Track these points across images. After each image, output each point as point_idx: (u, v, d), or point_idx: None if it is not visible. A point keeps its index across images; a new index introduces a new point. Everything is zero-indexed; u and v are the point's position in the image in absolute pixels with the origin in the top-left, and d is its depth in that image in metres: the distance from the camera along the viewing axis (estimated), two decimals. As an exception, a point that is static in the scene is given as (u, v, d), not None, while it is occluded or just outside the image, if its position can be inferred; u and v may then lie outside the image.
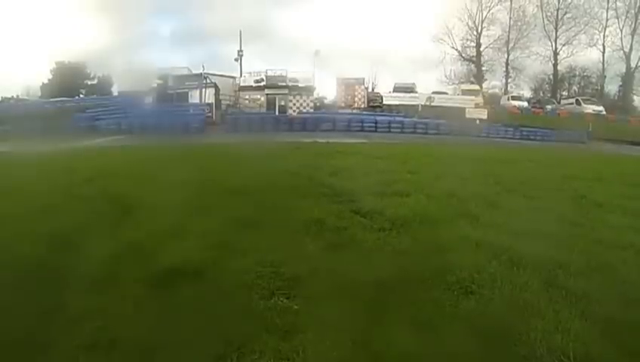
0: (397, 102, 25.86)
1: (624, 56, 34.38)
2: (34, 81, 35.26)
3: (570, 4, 35.14)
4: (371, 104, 26.35)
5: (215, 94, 23.55)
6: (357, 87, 26.67)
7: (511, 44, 36.60)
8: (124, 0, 40.09)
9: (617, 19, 34.25)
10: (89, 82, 34.39)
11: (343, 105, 26.19)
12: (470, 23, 37.11)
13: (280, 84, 24.30)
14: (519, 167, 8.63)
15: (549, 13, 35.84)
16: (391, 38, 62.73)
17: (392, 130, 21.08)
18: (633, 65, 34.28)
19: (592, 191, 5.82)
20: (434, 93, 28.12)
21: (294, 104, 24.11)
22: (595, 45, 35.06)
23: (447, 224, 3.86)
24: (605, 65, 35.53)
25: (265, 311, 2.24)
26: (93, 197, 4.72)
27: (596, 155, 13.84)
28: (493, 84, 38.21)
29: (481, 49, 37.42)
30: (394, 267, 2.81)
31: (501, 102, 30.22)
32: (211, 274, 2.67)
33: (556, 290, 2.51)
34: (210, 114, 22.41)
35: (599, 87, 36.42)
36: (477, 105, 25.10)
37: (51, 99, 25.29)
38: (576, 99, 29.36)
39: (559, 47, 35.90)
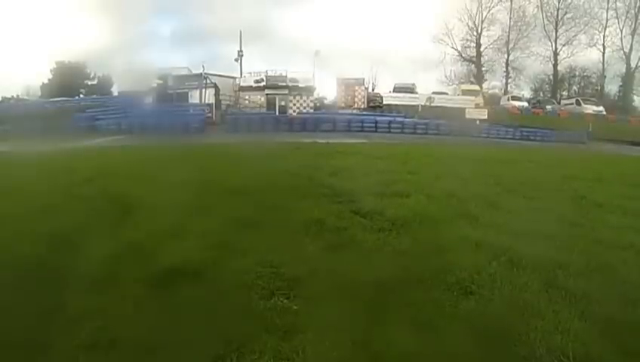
0: (397, 103, 25.83)
1: (624, 57, 34.49)
2: (34, 81, 35.39)
3: (570, 4, 35.23)
4: (371, 104, 26.32)
5: (215, 94, 23.57)
6: (357, 87, 26.65)
7: (511, 45, 36.68)
8: (124, 0, 40.10)
9: (617, 19, 34.35)
10: (89, 82, 34.42)
11: (343, 105, 26.17)
12: (470, 24, 37.20)
13: (280, 84, 24.31)
14: (519, 168, 8.63)
15: (549, 14, 35.95)
16: (391, 38, 62.70)
17: (392, 130, 21.09)
18: (633, 65, 34.38)
19: (592, 191, 5.82)
20: (434, 93, 28.13)
21: (294, 104, 24.10)
22: (595, 45, 35.18)
23: (447, 224, 3.87)
24: (605, 66, 35.65)
25: (265, 312, 2.24)
26: (93, 197, 4.72)
27: (596, 155, 13.84)
28: (493, 84, 38.31)
29: (481, 49, 37.50)
30: (394, 267, 2.81)
31: (501, 103, 30.22)
32: (211, 275, 2.67)
33: (556, 291, 2.51)
34: (210, 114, 22.41)
35: (599, 88, 36.47)
36: (477, 106, 25.12)
37: (51, 99, 25.32)
38: (577, 100, 29.39)
39: (559, 47, 36.01)
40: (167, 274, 2.61)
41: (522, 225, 3.83)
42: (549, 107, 28.82)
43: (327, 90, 30.10)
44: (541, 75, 37.83)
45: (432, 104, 25.68)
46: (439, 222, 3.92)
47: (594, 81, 37.15)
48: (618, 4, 34.12)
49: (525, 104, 29.39)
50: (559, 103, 31.77)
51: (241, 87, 25.08)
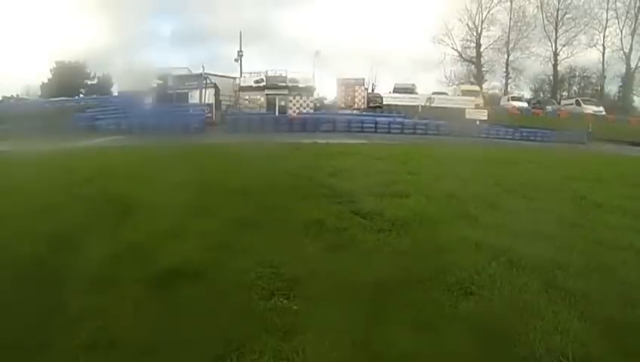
0: (397, 103, 25.84)
1: (624, 57, 34.52)
2: (34, 81, 35.37)
3: (570, 4, 35.26)
4: (371, 105, 26.33)
5: (215, 95, 23.56)
6: (357, 87, 26.67)
7: (511, 45, 36.72)
8: (124, 0, 40.11)
9: (617, 19, 34.40)
10: (89, 82, 34.39)
11: (343, 105, 26.21)
12: (470, 24, 37.27)
13: (280, 84, 24.30)
14: (519, 168, 8.63)
15: (549, 14, 35.98)
16: (391, 38, 62.86)
17: (392, 130, 21.13)
18: (633, 65, 34.40)
19: (591, 191, 5.82)
20: (434, 93, 28.14)
21: (294, 104, 24.10)
22: (595, 46, 35.22)
23: (446, 225, 3.87)
24: (605, 66, 35.68)
25: (264, 312, 2.24)
26: (93, 197, 4.72)
27: (596, 156, 13.84)
28: (493, 84, 38.36)
29: (481, 50, 37.56)
30: (394, 268, 2.81)
31: (501, 103, 30.26)
32: (211, 275, 2.67)
33: (555, 291, 2.51)
34: (210, 114, 22.42)
35: (599, 88, 36.49)
36: (477, 106, 25.12)
37: (51, 99, 25.31)
38: (576, 100, 29.38)
39: (559, 47, 36.05)
40: (167, 274, 2.61)
41: (522, 226, 3.83)
42: (548, 107, 28.84)
43: (327, 91, 30.23)
44: (541, 75, 37.97)
45: (432, 104, 25.67)
46: (439, 222, 3.91)
47: (594, 81, 37.22)
48: (618, 4, 34.24)
49: (525, 104, 29.39)
50: (559, 104, 31.77)
51: (241, 87, 25.07)
